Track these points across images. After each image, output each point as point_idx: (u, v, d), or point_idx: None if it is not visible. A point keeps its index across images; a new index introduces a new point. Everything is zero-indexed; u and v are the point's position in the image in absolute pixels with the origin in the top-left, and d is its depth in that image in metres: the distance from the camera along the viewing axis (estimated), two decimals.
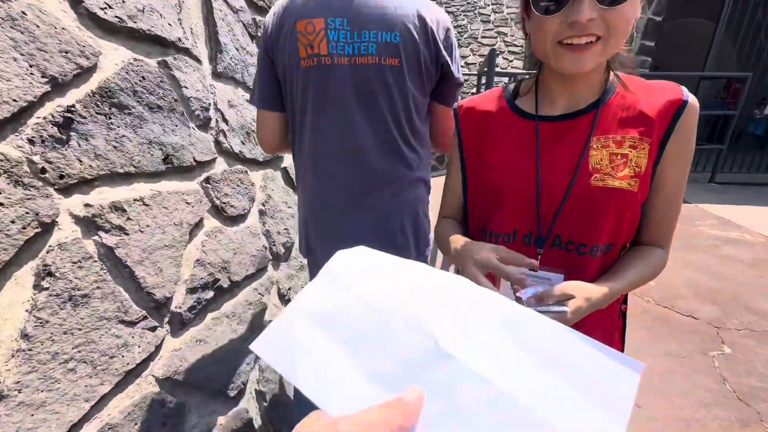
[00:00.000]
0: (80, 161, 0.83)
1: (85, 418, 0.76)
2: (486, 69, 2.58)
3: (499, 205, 0.72)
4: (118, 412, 0.81)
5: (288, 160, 1.68)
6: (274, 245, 1.46)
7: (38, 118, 0.77)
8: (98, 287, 0.81)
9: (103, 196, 0.87)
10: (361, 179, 0.93)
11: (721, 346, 1.82)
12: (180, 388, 0.97)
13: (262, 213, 1.43)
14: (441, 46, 0.87)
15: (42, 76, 0.78)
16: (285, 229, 1.54)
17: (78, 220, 0.81)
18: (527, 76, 0.77)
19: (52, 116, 0.79)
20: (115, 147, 0.91)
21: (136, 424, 0.84)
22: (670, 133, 0.64)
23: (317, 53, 0.86)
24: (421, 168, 0.99)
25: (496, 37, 8.07)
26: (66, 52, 0.83)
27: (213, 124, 1.26)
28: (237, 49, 1.44)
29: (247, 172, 1.38)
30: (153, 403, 0.88)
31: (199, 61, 1.24)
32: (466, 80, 8.45)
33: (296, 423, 0.19)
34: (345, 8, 0.82)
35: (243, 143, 1.38)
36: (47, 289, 0.73)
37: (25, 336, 0.69)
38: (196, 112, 1.18)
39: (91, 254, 0.81)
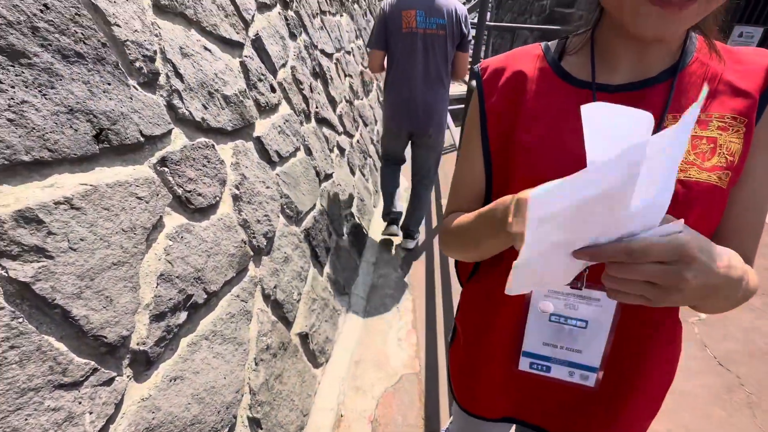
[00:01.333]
0: None
1: None
2: (477, 20, 2.29)
3: None
4: None
5: (260, 129, 1.35)
6: (254, 237, 1.18)
7: None
8: (12, 347, 0.53)
9: (1, 201, 0.55)
10: (423, 89, 2.04)
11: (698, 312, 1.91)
12: None
13: (236, 198, 1.13)
14: (463, 25, 1.94)
15: None
16: (265, 215, 1.26)
17: None
18: (570, 32, 0.56)
19: None
20: (11, 120, 0.57)
21: None
22: (762, 112, 0.48)
23: (410, 26, 1.92)
24: (448, 87, 2.12)
25: None
26: None
27: (162, 80, 0.91)
28: None
29: (213, 146, 1.06)
30: None
31: None
32: None
33: None
34: (424, 4, 1.88)
35: (205, 107, 1.05)
36: None
37: None
38: (137, 64, 0.83)
39: None
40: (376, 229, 2.68)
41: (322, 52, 2.38)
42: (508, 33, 6.30)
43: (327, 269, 1.76)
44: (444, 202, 3.22)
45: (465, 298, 0.66)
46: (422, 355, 1.71)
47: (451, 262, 2.42)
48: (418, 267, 2.36)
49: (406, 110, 2.07)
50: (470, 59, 2.47)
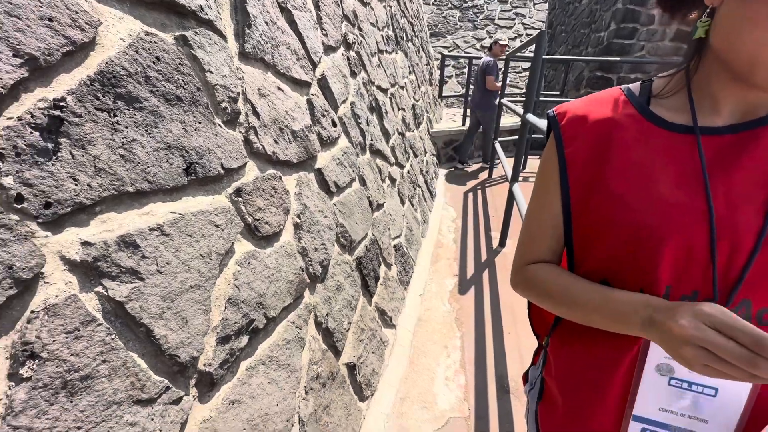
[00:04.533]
0: (75, 180, 0.58)
1: None
2: (533, 53, 2.28)
3: (642, 251, 0.47)
4: None
5: (321, 161, 1.42)
6: (311, 264, 1.22)
7: (10, 119, 0.52)
8: (104, 361, 0.58)
9: (107, 227, 0.62)
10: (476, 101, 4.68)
11: None
12: None
13: (297, 227, 1.18)
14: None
15: (14, 55, 0.52)
16: (322, 244, 1.30)
17: (74, 266, 0.57)
18: (656, 72, 0.52)
19: (32, 115, 0.54)
20: (122, 156, 0.66)
21: None
22: None
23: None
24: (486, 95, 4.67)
25: (513, 19, 7.63)
26: (50, 20, 0.57)
27: (242, 118, 1.00)
28: (267, 23, 1.17)
29: (280, 177, 1.13)
30: None
31: (224, 37, 0.97)
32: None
33: None
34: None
35: (276, 141, 1.13)
36: (29, 379, 0.49)
37: None
38: (223, 104, 0.92)
39: (93, 315, 0.57)
40: (423, 260, 2.65)
41: (379, 87, 2.50)
42: (562, 65, 6.20)
43: (375, 299, 1.75)
44: (493, 234, 3.12)
45: (558, 354, 0.60)
46: (471, 399, 1.61)
47: (508, 302, 2.30)
48: (467, 302, 2.27)
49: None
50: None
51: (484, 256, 2.82)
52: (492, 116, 4.47)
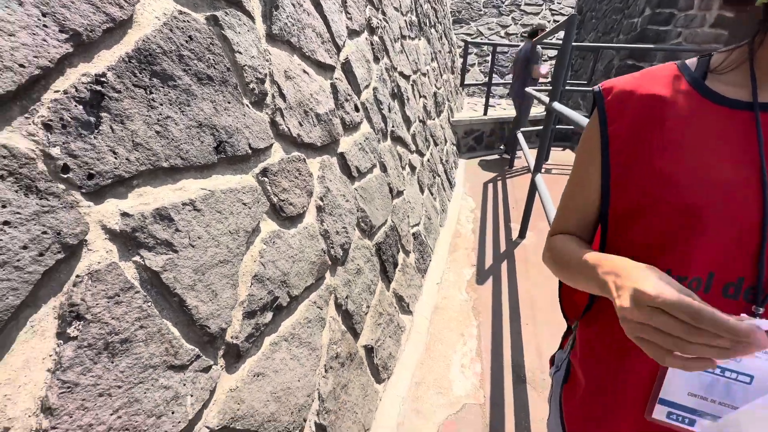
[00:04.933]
0: (115, 153, 0.60)
1: None
2: (562, 39, 2.20)
3: (685, 233, 0.45)
4: None
5: (344, 146, 1.43)
6: (333, 247, 1.23)
7: (57, 92, 0.54)
8: (141, 327, 0.61)
9: (144, 200, 0.65)
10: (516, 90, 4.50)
11: None
12: None
13: (319, 209, 1.20)
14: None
15: (60, 31, 0.54)
16: (343, 227, 1.32)
17: (114, 235, 0.59)
18: (714, 49, 0.49)
19: (76, 89, 0.56)
20: (157, 132, 0.68)
21: None
22: None
23: None
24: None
25: (541, 5, 7.36)
26: None
27: (269, 100, 1.01)
28: (293, 5, 1.17)
29: (305, 160, 1.14)
30: None
31: (252, 18, 0.97)
32: (505, 52, 7.84)
33: None
34: None
35: (301, 124, 1.14)
36: (75, 338, 0.52)
37: (47, 409, 0.49)
38: (251, 85, 0.93)
39: (132, 283, 0.60)
40: (441, 249, 2.65)
41: (401, 74, 2.47)
42: (591, 53, 5.96)
43: (394, 285, 1.77)
44: (513, 226, 3.07)
45: (585, 338, 0.60)
46: (487, 387, 1.61)
47: (527, 294, 2.28)
48: (484, 292, 2.26)
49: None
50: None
51: (503, 248, 2.79)
52: (530, 106, 4.45)
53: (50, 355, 0.50)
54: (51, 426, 0.49)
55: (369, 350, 1.41)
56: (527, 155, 3.00)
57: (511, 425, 1.44)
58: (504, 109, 6.16)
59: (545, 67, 4.11)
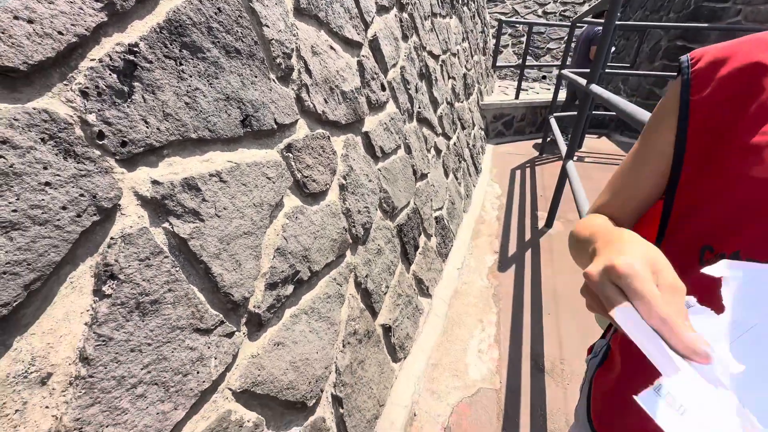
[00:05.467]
0: (146, 122, 0.62)
1: None
2: (605, 18, 2.06)
3: (762, 213, 0.41)
4: None
5: (369, 125, 1.42)
6: (354, 226, 1.24)
7: (93, 60, 0.56)
8: (170, 290, 0.64)
9: (173, 169, 0.67)
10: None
11: None
12: (257, 402, 0.82)
13: (342, 188, 1.20)
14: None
15: (96, 0, 0.56)
16: (365, 207, 1.32)
17: (145, 202, 0.62)
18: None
19: (110, 58, 0.58)
20: (186, 104, 0.69)
21: None
22: None
23: None
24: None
25: None
26: None
27: (295, 75, 1.01)
28: None
29: (329, 137, 1.14)
30: (230, 425, 0.73)
31: None
32: (541, 33, 7.46)
33: None
34: None
35: (326, 101, 1.13)
36: (109, 296, 0.55)
37: (84, 359, 0.52)
38: (278, 60, 0.93)
39: (162, 248, 0.63)
40: (464, 235, 2.61)
41: (430, 53, 2.40)
42: (636, 34, 5.55)
43: (414, 267, 1.77)
44: (540, 214, 2.98)
45: None
46: (504, 373, 1.61)
47: (550, 284, 2.23)
48: (506, 280, 2.23)
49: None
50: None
51: (528, 236, 2.72)
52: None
53: (87, 310, 0.54)
54: (88, 374, 0.52)
55: (387, 329, 1.43)
56: (559, 141, 2.88)
57: (526, 412, 1.43)
58: (537, 93, 5.90)
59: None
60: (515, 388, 1.54)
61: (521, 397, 1.50)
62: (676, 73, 0.49)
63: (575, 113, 3.26)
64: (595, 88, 1.95)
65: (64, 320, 0.52)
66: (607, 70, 3.87)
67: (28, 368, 0.48)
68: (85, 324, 0.54)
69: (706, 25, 3.69)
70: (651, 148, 0.51)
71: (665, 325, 0.28)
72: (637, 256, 0.32)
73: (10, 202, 0.46)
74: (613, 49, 4.73)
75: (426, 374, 1.57)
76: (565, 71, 3.31)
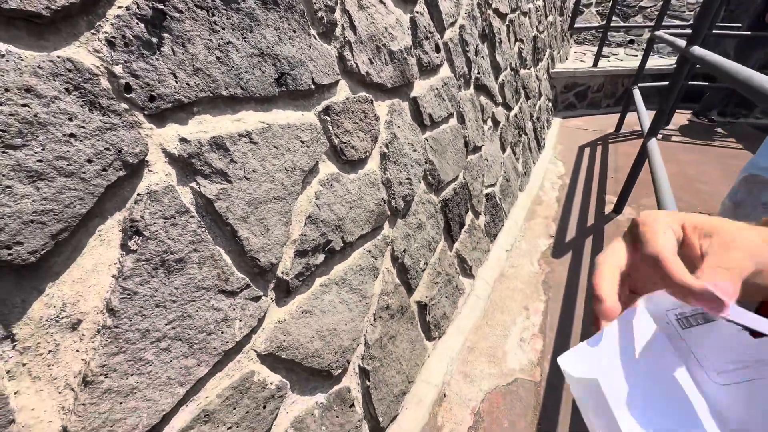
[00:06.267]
0: (175, 77, 0.60)
1: (179, 405, 0.64)
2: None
3: None
4: (215, 395, 0.69)
5: (418, 90, 1.31)
6: (394, 198, 1.18)
7: (120, 8, 0.54)
8: (195, 250, 0.64)
9: (202, 128, 0.65)
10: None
11: None
12: (282, 366, 0.83)
13: (384, 157, 1.13)
14: None
15: None
16: (408, 178, 1.24)
17: (173, 159, 0.61)
18: None
19: (138, 6, 0.55)
20: (218, 58, 0.66)
21: (234, 408, 0.71)
22: None
23: None
24: None
25: None
26: None
27: (338, 32, 0.93)
28: None
29: (372, 101, 1.07)
30: (253, 385, 0.75)
31: None
32: (627, 15, 6.46)
33: None
34: None
35: (371, 61, 1.05)
36: (135, 251, 0.56)
37: (110, 310, 0.54)
38: (319, 14, 0.86)
39: (188, 207, 0.62)
40: (517, 215, 2.44)
41: (496, 11, 2.16)
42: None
43: (457, 245, 1.68)
44: (608, 198, 2.67)
45: None
46: (546, 365, 1.50)
47: None
48: (560, 267, 2.05)
49: None
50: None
51: (590, 221, 2.46)
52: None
53: (114, 264, 0.55)
54: (114, 325, 0.54)
55: (422, 306, 1.38)
56: (643, 116, 2.50)
57: (567, 409, 1.33)
58: (621, 60, 5.18)
59: None
60: (557, 383, 1.43)
61: (563, 393, 1.39)
62: None
63: (666, 83, 2.79)
64: (697, 50, 1.62)
65: (93, 271, 0.53)
66: (714, 31, 3.23)
67: (60, 313, 0.51)
68: (113, 276, 0.55)
69: None
70: None
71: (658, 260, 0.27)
72: (679, 217, 0.31)
73: (35, 152, 0.46)
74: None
75: (460, 356, 1.52)
76: (660, 32, 2.82)
